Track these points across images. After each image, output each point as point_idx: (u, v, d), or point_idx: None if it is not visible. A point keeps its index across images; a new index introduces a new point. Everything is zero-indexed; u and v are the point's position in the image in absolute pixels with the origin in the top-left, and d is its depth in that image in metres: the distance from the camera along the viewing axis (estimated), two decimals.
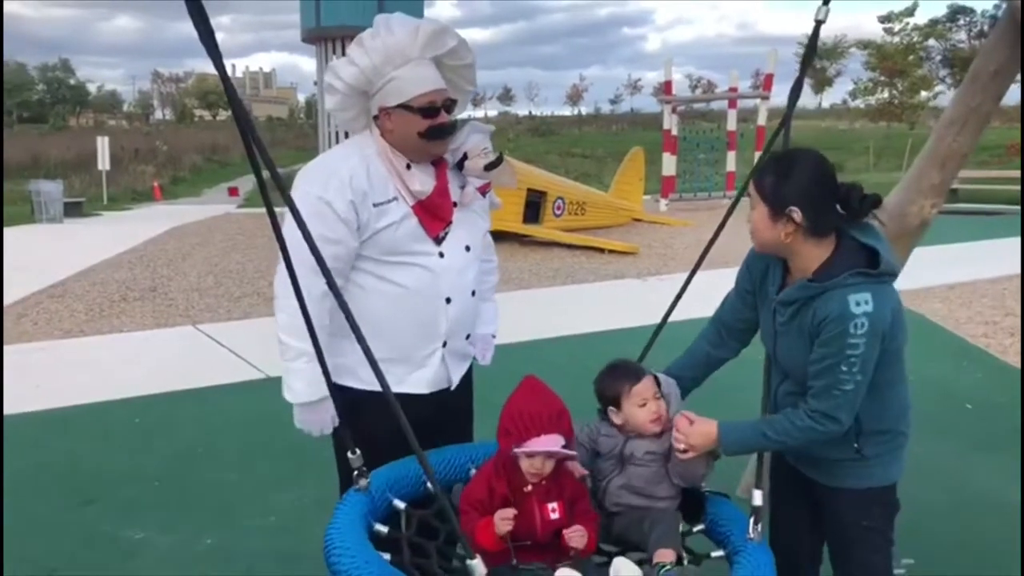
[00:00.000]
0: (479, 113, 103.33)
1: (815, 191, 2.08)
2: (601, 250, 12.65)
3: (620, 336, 7.14)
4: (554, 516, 2.11)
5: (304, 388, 2.30)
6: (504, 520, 2.05)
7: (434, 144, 2.35)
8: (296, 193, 2.22)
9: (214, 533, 3.71)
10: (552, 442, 2.07)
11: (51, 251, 12.50)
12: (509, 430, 2.11)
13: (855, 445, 2.18)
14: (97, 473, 4.39)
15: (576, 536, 2.07)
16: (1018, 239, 12.91)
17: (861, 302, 2.01)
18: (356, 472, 2.05)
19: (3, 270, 9.13)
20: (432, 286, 2.36)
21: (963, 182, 19.98)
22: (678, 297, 2.68)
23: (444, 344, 2.45)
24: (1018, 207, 18.96)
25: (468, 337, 2.55)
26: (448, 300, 2.40)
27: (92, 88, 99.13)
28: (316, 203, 2.21)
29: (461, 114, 2.56)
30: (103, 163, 22.27)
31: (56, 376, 6.18)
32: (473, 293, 2.49)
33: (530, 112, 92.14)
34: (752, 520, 2.08)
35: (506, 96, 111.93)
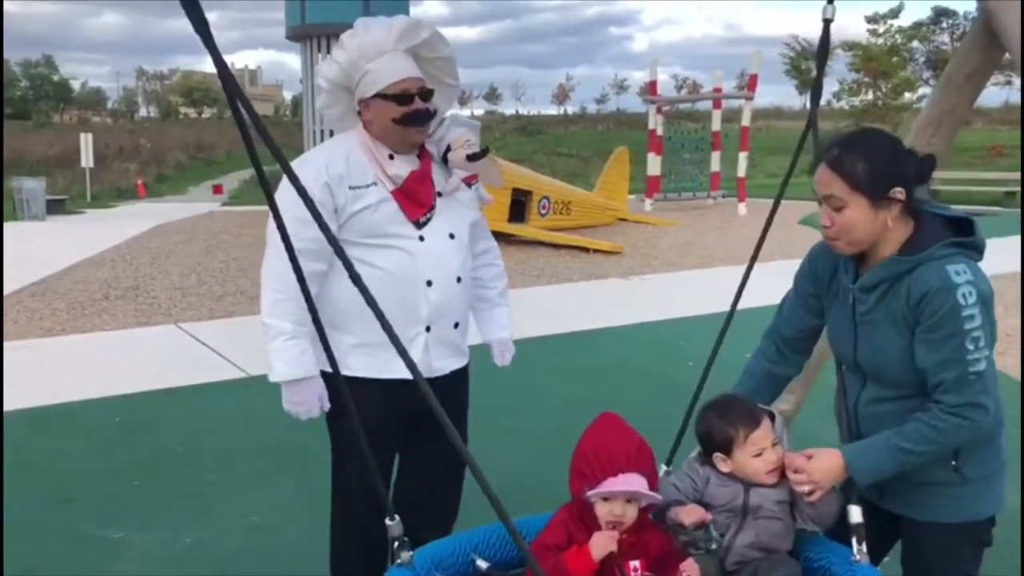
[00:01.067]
0: (465, 111, 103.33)
1: (903, 163, 1.89)
2: (586, 249, 12.67)
3: (604, 335, 7.17)
4: (635, 575, 1.88)
5: (284, 367, 2.35)
6: (605, 540, 1.83)
7: (411, 132, 2.43)
8: (282, 183, 2.30)
9: (193, 532, 3.70)
10: (631, 482, 1.85)
11: (33, 249, 12.40)
12: (583, 472, 1.89)
13: (953, 463, 1.91)
14: (76, 472, 4.37)
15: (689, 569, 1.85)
16: (999, 240, 13.03)
17: (961, 271, 1.81)
18: (397, 543, 1.90)
19: (3, 268, 9.07)
20: (412, 269, 2.41)
21: (945, 183, 20.17)
22: (739, 292, 2.44)
23: (428, 329, 2.48)
24: (998, 208, 19.18)
25: (457, 327, 2.56)
26: (429, 283, 2.44)
27: (76, 85, 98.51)
28: (293, 193, 2.26)
29: (447, 111, 2.61)
30: (87, 160, 22.13)
31: (36, 375, 6.14)
32: (459, 280, 2.52)
33: (516, 111, 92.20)
34: (855, 540, 1.87)
35: (492, 95, 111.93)
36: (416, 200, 2.44)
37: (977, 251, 1.91)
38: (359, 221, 2.39)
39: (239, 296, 9.13)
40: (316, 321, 1.86)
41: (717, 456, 1.98)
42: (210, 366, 6.39)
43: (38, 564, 3.43)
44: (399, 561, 1.88)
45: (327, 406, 2.42)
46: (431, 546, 2.05)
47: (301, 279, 1.86)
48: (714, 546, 1.92)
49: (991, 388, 1.83)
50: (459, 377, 2.65)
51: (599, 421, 1.96)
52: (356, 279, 1.79)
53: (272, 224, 2.33)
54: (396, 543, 1.89)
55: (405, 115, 2.39)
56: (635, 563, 1.88)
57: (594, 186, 17.68)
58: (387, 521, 1.90)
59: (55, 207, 17.86)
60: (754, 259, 2.43)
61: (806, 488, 1.90)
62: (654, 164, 19.60)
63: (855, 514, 1.88)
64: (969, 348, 1.79)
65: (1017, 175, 21.60)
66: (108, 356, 6.76)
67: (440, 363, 2.54)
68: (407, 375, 2.39)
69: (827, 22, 2.41)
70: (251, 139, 1.55)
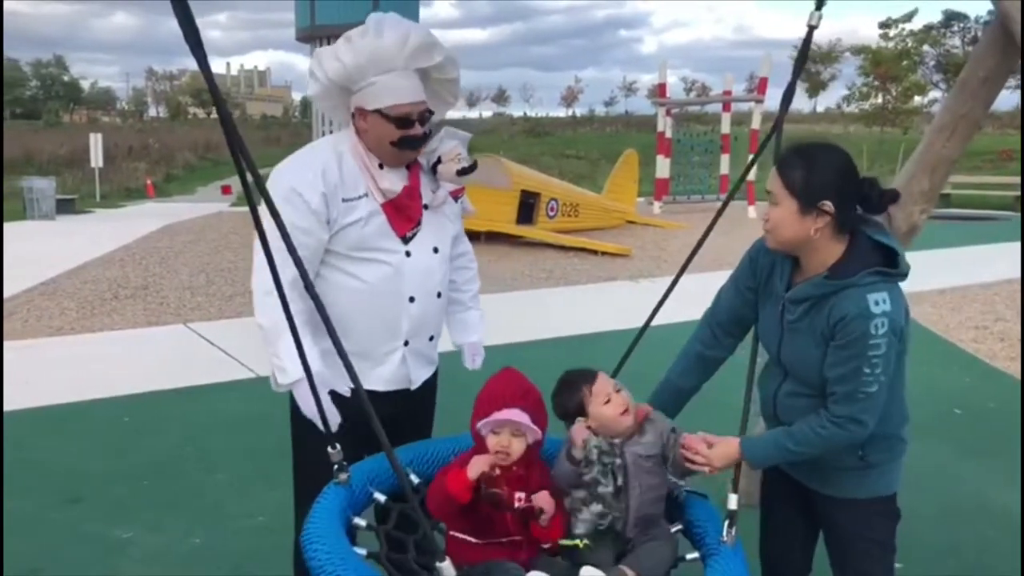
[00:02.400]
0: (474, 114, 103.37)
1: (844, 183, 2.03)
2: (594, 252, 12.65)
3: (612, 338, 7.09)
4: (519, 505, 2.10)
5: (294, 365, 2.22)
6: (481, 461, 2.06)
7: (404, 154, 2.38)
8: (270, 184, 2.27)
9: (201, 533, 3.70)
10: (514, 415, 2.09)
11: (43, 248, 12.44)
12: (477, 409, 2.15)
13: (859, 452, 2.15)
14: (85, 471, 4.38)
15: (542, 500, 2.07)
16: (1009, 244, 12.99)
17: (880, 301, 1.97)
18: (336, 466, 2.04)
19: (3, 267, 9.09)
20: (396, 284, 2.38)
21: (956, 187, 20.09)
22: (661, 301, 2.66)
23: (406, 343, 2.46)
24: (1009, 213, 19.08)
25: (432, 339, 2.55)
26: (412, 299, 2.41)
27: (86, 85, 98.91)
28: (289, 193, 2.25)
29: (440, 118, 2.57)
30: (96, 160, 22.18)
31: (45, 374, 6.15)
32: (439, 295, 2.51)
33: (525, 113, 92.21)
34: (727, 523, 2.07)
35: (501, 97, 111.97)
36: (405, 215, 2.40)
37: (903, 276, 2.05)
38: (348, 234, 2.34)
39: (248, 296, 9.09)
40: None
41: (579, 420, 2.21)
42: (219, 366, 6.39)
43: (46, 563, 3.43)
44: (337, 480, 2.06)
45: (347, 391, 2.31)
46: (366, 462, 2.22)
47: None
48: (617, 461, 2.16)
49: (875, 408, 2.03)
50: (429, 386, 2.64)
51: (499, 372, 2.21)
52: (315, 298, 1.85)
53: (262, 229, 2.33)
54: (336, 467, 2.04)
55: (403, 139, 2.33)
56: (520, 494, 2.10)
57: (602, 188, 17.67)
58: (328, 449, 2.02)
59: (65, 206, 17.90)
60: (690, 260, 2.69)
61: (706, 470, 2.18)
62: (663, 167, 19.56)
63: (732, 501, 2.10)
64: (865, 371, 1.98)
65: None
66: (117, 356, 6.77)
67: (416, 374, 2.53)
68: (379, 387, 2.43)
69: (811, 28, 2.43)
70: (238, 153, 1.54)
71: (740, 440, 2.18)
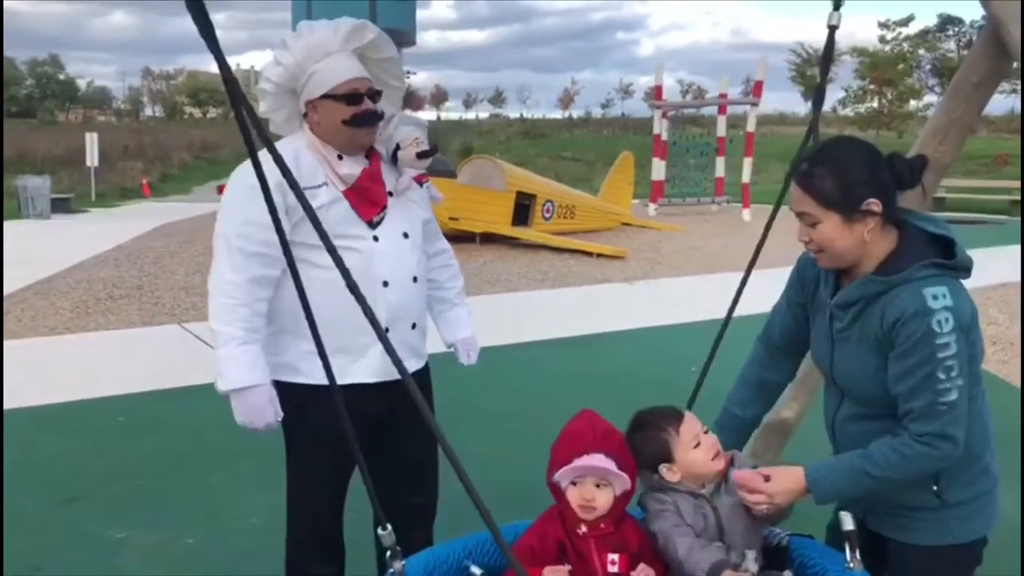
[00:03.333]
0: (470, 115, 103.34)
1: (878, 173, 1.83)
2: (590, 254, 12.67)
3: (608, 340, 7.16)
4: (612, 569, 1.87)
5: (236, 372, 2.28)
6: (553, 573, 1.84)
7: (360, 132, 2.39)
8: (230, 186, 2.35)
9: (197, 533, 3.70)
10: (597, 460, 1.86)
11: (37, 247, 12.43)
12: (554, 458, 1.93)
13: (934, 488, 1.87)
14: (81, 471, 4.38)
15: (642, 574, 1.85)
16: (1001, 248, 13.03)
17: (939, 295, 1.74)
18: (389, 553, 1.85)
19: (3, 265, 9.08)
20: (367, 269, 2.35)
21: (950, 191, 20.16)
22: (735, 300, 2.48)
23: (386, 331, 2.42)
24: (1003, 217, 19.15)
25: (414, 327, 2.53)
26: (385, 284, 2.40)
27: (82, 84, 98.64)
28: (248, 190, 2.24)
29: (395, 110, 2.57)
30: (92, 159, 22.16)
31: (40, 374, 6.15)
32: (415, 280, 2.49)
33: (521, 115, 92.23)
34: (848, 547, 1.81)
35: (497, 98, 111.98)
36: (368, 199, 2.40)
37: (963, 270, 1.84)
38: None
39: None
40: (312, 325, 1.83)
41: (663, 467, 1.94)
42: (214, 366, 6.38)
43: (42, 563, 3.43)
44: (391, 570, 1.84)
45: (280, 414, 2.33)
46: (423, 553, 2.03)
47: (301, 292, 1.84)
48: (709, 518, 1.92)
49: (962, 419, 1.77)
50: (420, 379, 2.58)
51: (575, 416, 1.99)
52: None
53: (219, 228, 2.34)
54: (388, 552, 1.85)
55: (355, 116, 2.35)
56: (614, 556, 1.87)
57: (598, 190, 17.70)
58: (379, 531, 1.85)
59: (60, 206, 17.89)
60: (751, 266, 2.46)
61: (764, 509, 1.89)
62: (659, 169, 19.60)
63: (847, 521, 1.82)
64: (940, 377, 1.73)
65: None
66: (112, 355, 6.77)
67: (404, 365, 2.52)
68: (366, 379, 2.40)
69: (832, 28, 2.40)
70: (253, 144, 1.55)
71: (805, 469, 1.87)
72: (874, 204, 1.80)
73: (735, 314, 2.49)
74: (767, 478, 1.89)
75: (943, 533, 1.91)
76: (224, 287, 2.29)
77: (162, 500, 4.05)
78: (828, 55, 2.48)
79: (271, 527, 3.72)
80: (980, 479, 1.91)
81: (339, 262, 1.60)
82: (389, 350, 1.63)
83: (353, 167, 2.39)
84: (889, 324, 1.78)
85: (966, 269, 1.84)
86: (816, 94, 2.49)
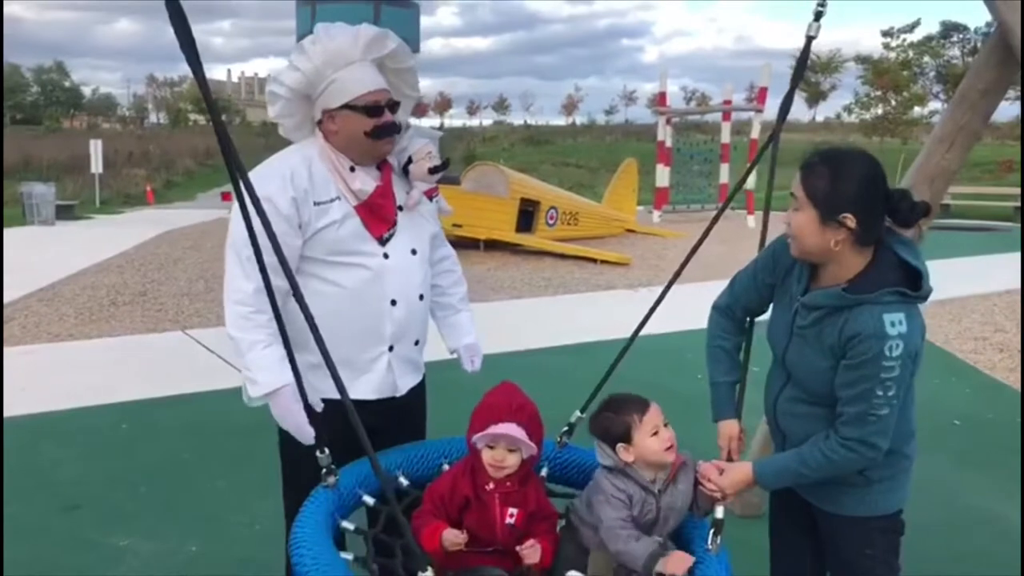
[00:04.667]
0: (474, 122, 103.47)
1: (870, 197, 1.96)
2: (593, 260, 12.66)
3: (611, 347, 7.03)
4: (510, 521, 2.10)
5: (268, 376, 2.22)
6: (453, 538, 2.04)
7: (380, 144, 2.36)
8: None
9: (199, 540, 3.69)
10: (511, 429, 2.08)
11: (41, 254, 12.44)
12: (473, 423, 2.14)
13: (861, 470, 2.09)
14: (83, 478, 4.37)
15: (528, 550, 2.06)
16: (1008, 255, 13.00)
17: (896, 322, 1.90)
18: (324, 469, 2.04)
19: (3, 272, 9.09)
20: (376, 287, 2.34)
21: (955, 198, 20.12)
22: (653, 308, 2.63)
23: (391, 349, 2.43)
24: (1008, 223, 19.10)
25: (417, 343, 2.52)
26: (393, 302, 2.38)
27: (87, 91, 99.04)
28: (258, 202, 2.22)
29: (406, 119, 2.55)
30: (96, 166, 22.20)
31: (43, 380, 6.14)
32: (421, 297, 2.47)
33: (525, 121, 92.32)
34: (712, 532, 2.05)
35: (501, 105, 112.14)
36: (380, 216, 2.37)
37: (923, 299, 1.99)
38: (324, 237, 2.31)
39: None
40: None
41: (620, 447, 2.09)
42: (217, 373, 6.37)
43: (44, 570, 3.42)
44: (325, 484, 2.05)
45: (320, 404, 2.27)
46: (355, 465, 2.18)
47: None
48: (651, 514, 2.09)
49: (887, 431, 1.98)
50: (417, 393, 2.59)
51: (496, 387, 2.20)
52: (302, 304, 1.82)
53: (232, 236, 2.30)
54: (324, 470, 2.03)
55: (376, 127, 2.31)
56: (513, 510, 2.11)
57: (602, 197, 17.69)
58: (317, 452, 2.00)
59: (64, 212, 17.91)
60: (683, 267, 2.62)
61: (718, 495, 2.11)
62: (663, 175, 19.58)
63: (719, 511, 2.10)
64: (878, 393, 1.92)
65: None
66: (115, 362, 6.76)
67: (403, 381, 2.49)
68: (366, 395, 2.39)
69: (809, 39, 2.43)
70: (231, 158, 1.54)
71: (753, 464, 2.14)
72: (849, 219, 1.94)
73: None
74: (721, 471, 2.13)
75: (867, 505, 2.15)
76: (238, 296, 2.27)
77: (164, 507, 4.03)
78: (802, 63, 2.52)
79: (274, 534, 3.70)
80: (899, 463, 2.14)
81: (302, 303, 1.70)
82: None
83: (366, 182, 2.35)
84: (846, 338, 1.95)
85: (925, 298, 1.99)
86: (783, 101, 2.51)
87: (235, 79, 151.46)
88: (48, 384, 6.04)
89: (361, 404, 2.28)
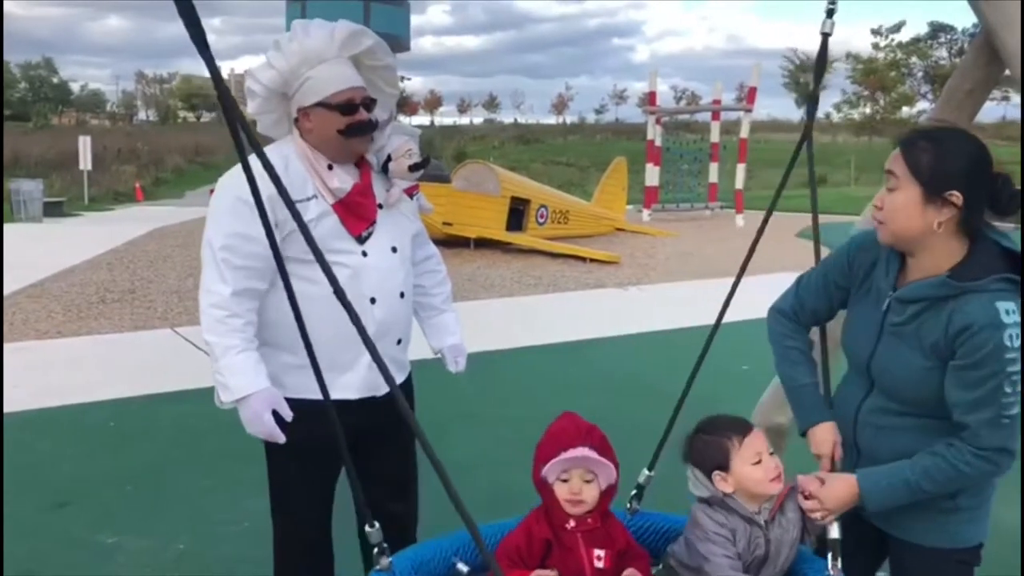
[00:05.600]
0: (464, 120, 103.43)
1: (978, 175, 1.77)
2: (583, 259, 12.69)
3: (601, 345, 7.15)
4: (598, 564, 1.90)
5: (240, 381, 2.21)
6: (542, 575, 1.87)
7: (354, 141, 2.33)
8: (215, 197, 2.28)
9: (188, 538, 3.69)
10: (585, 452, 1.91)
11: (29, 251, 12.39)
12: (539, 457, 1.97)
13: (952, 493, 1.87)
14: (71, 476, 4.36)
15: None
16: None
17: (1010, 311, 1.70)
18: (377, 550, 1.88)
19: (3, 269, 9.05)
20: (355, 286, 2.31)
21: None
22: (726, 303, 2.44)
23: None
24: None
25: (400, 343, 2.50)
26: (373, 300, 2.36)
27: (75, 87, 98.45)
28: (234, 203, 2.20)
29: (385, 116, 2.50)
30: (85, 163, 22.13)
31: (31, 377, 6.12)
32: (402, 295, 2.46)
33: (515, 120, 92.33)
34: (831, 556, 1.87)
35: (492, 104, 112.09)
36: (358, 214, 2.35)
37: None
38: (300, 237, 2.31)
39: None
40: (302, 329, 1.79)
41: (717, 475, 1.91)
42: (206, 370, 6.32)
43: (32, 568, 3.41)
44: (378, 567, 1.87)
45: (289, 414, 2.24)
46: (410, 550, 2.05)
47: (294, 303, 1.79)
48: (760, 551, 1.91)
49: (1019, 432, 1.77)
50: (403, 391, 2.53)
51: (558, 417, 2.03)
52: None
53: (206, 236, 2.27)
54: (376, 549, 1.88)
55: (350, 126, 2.28)
56: (599, 552, 1.90)
57: (592, 196, 17.73)
58: (367, 528, 1.87)
59: (52, 209, 17.85)
60: (743, 272, 2.42)
61: (819, 515, 1.89)
62: (652, 175, 19.65)
63: (834, 530, 1.88)
64: (1007, 391, 1.71)
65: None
66: (104, 359, 6.74)
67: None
68: (349, 395, 2.36)
69: (825, 36, 2.39)
70: (244, 150, 1.53)
71: (858, 477, 1.88)
72: (956, 197, 1.75)
73: (726, 320, 2.49)
74: (822, 482, 1.90)
75: (950, 535, 1.92)
76: (214, 299, 2.24)
77: (154, 505, 4.03)
78: (822, 62, 2.45)
79: (264, 532, 3.69)
80: (988, 487, 1.93)
81: (333, 279, 1.58)
82: (388, 379, 1.62)
83: (344, 180, 2.33)
84: (956, 331, 1.74)
85: None
86: (810, 100, 2.47)
87: (225, 76, 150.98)
88: (36, 381, 6.02)
89: (343, 405, 2.26)
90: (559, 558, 1.90)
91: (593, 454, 1.91)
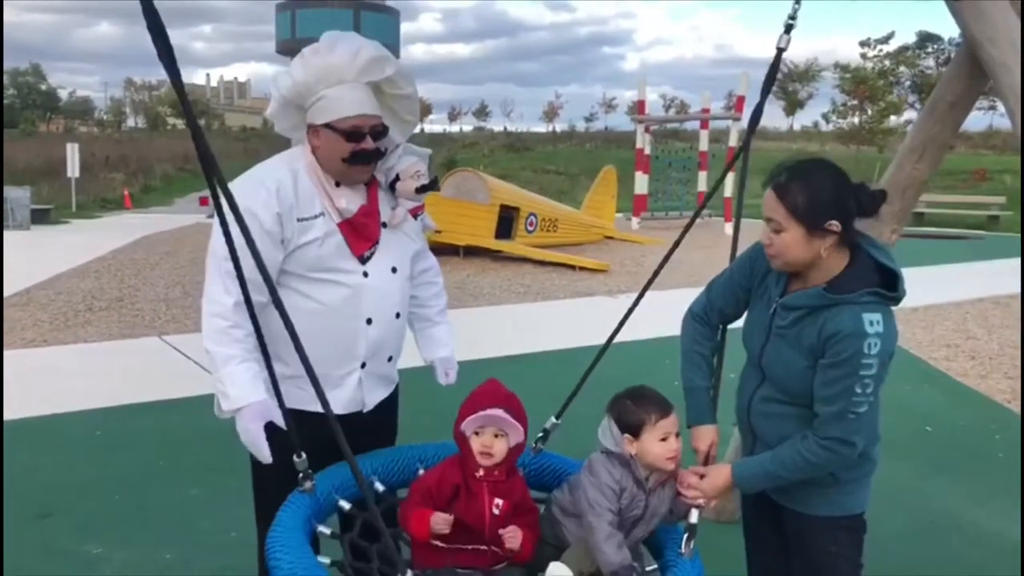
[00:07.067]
0: (455, 128, 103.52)
1: (844, 198, 2.02)
2: (572, 267, 12.70)
3: (590, 353, 7.05)
4: (496, 511, 2.13)
5: (240, 392, 2.19)
6: (442, 522, 2.10)
7: (356, 170, 2.32)
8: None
9: (173, 548, 3.67)
10: (499, 413, 2.13)
11: (16, 259, 12.30)
12: (461, 414, 2.18)
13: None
14: (56, 486, 4.33)
15: (510, 536, 2.11)
16: (981, 264, 13.19)
17: (874, 322, 1.96)
18: (301, 474, 2.05)
19: (3, 272, 8.98)
20: (353, 305, 2.32)
21: (930, 206, 20.36)
22: (628, 313, 2.66)
23: (363, 366, 2.41)
24: (981, 232, 19.35)
25: (390, 359, 2.51)
26: (369, 321, 2.36)
27: (64, 94, 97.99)
28: (242, 213, 2.21)
29: (397, 142, 2.49)
30: (72, 170, 22.02)
31: (17, 386, 6.07)
32: (398, 316, 2.46)
33: (505, 128, 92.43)
34: (685, 536, 2.11)
35: (482, 111, 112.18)
36: (362, 234, 2.35)
37: (896, 302, 2.05)
38: (305, 254, 2.29)
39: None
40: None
41: (626, 438, 2.12)
42: (193, 379, 6.33)
43: None
44: (302, 488, 2.06)
45: (282, 424, 2.17)
46: (331, 470, 2.21)
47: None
48: (638, 511, 2.14)
49: (864, 428, 2.04)
50: (386, 407, 2.57)
51: (484, 382, 2.26)
52: (286, 321, 1.80)
53: (212, 246, 2.26)
54: (300, 474, 2.05)
55: (353, 153, 2.28)
56: (499, 501, 2.14)
57: (581, 204, 17.76)
58: (294, 457, 2.01)
59: (40, 216, 17.75)
60: (656, 274, 2.69)
61: (700, 502, 2.16)
62: (642, 183, 19.71)
63: (693, 516, 2.15)
64: (857, 391, 1.97)
65: (1001, 199, 21.86)
66: (90, 368, 6.70)
67: (371, 396, 2.47)
68: (335, 410, 2.29)
69: (780, 51, 2.47)
70: (211, 167, 1.53)
71: (732, 467, 2.18)
72: (834, 225, 2.00)
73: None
74: (701, 476, 2.18)
75: (835, 505, 2.20)
76: (217, 308, 2.23)
77: (139, 515, 4.01)
78: (772, 74, 2.54)
79: (249, 542, 3.67)
80: (865, 465, 2.19)
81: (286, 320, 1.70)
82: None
83: (351, 200, 2.33)
84: (826, 336, 2.00)
85: (899, 300, 2.06)
86: (753, 112, 2.55)
87: (214, 83, 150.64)
88: (22, 390, 5.97)
89: (327, 419, 2.28)
90: (464, 502, 2.13)
91: (506, 416, 2.14)
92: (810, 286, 2.08)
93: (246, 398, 2.19)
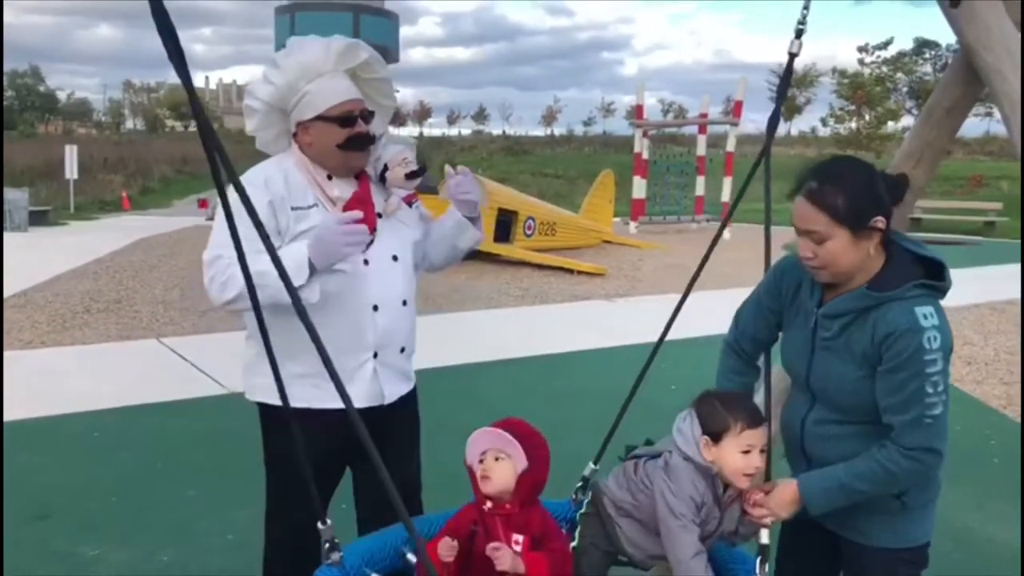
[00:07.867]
0: (453, 131, 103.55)
1: (880, 191, 1.89)
2: (570, 271, 12.71)
3: (587, 357, 7.17)
4: (517, 548, 1.98)
5: (295, 256, 2.16)
6: (446, 548, 1.97)
7: (353, 155, 2.37)
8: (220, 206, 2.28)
9: (171, 550, 3.67)
10: (494, 432, 2.00)
11: (14, 260, 12.28)
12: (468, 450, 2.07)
13: (898, 493, 1.95)
14: (54, 487, 4.33)
15: (499, 554, 1.92)
16: (977, 269, 13.20)
17: (928, 315, 1.81)
18: (327, 544, 1.93)
19: (1, 273, 8.97)
20: (357, 294, 2.33)
21: (927, 212, 20.42)
22: (671, 321, 2.51)
23: (375, 356, 2.42)
24: (978, 237, 19.39)
25: (403, 351, 2.51)
26: (375, 308, 2.38)
27: (62, 96, 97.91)
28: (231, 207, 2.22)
29: (382, 129, 2.54)
30: (71, 172, 22.02)
31: (15, 388, 6.07)
32: (405, 303, 2.47)
33: (504, 131, 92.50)
34: (759, 560, 1.97)
35: (480, 115, 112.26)
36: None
37: (943, 294, 1.92)
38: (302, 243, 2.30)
39: (222, 311, 9.07)
40: (269, 349, 1.78)
41: (704, 439, 1.96)
42: (191, 381, 6.35)
43: None
44: (328, 561, 1.92)
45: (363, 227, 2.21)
46: (360, 542, 2.12)
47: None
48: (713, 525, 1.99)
49: (945, 432, 1.85)
50: (408, 401, 2.58)
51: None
52: (302, 313, 1.72)
53: (210, 241, 2.29)
54: (327, 544, 1.92)
55: (349, 138, 2.32)
56: (518, 536, 1.98)
57: (579, 208, 17.77)
58: (319, 525, 1.91)
59: (38, 218, 17.74)
60: (693, 282, 2.53)
61: (768, 521, 1.98)
62: (639, 187, 19.70)
63: (763, 535, 1.99)
64: (928, 392, 1.80)
65: (997, 205, 21.90)
66: (88, 370, 6.70)
67: (390, 389, 2.48)
68: (357, 404, 2.35)
69: (792, 56, 2.46)
70: (215, 161, 1.54)
71: (799, 483, 1.97)
72: (880, 222, 1.87)
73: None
74: (766, 492, 1.99)
75: (899, 535, 2.00)
76: (214, 263, 2.25)
77: (137, 516, 4.01)
78: (786, 80, 2.53)
79: (247, 543, 3.70)
80: (933, 487, 2.01)
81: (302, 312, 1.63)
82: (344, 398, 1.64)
83: (344, 190, 2.36)
84: (880, 338, 1.84)
85: (946, 290, 1.91)
86: (770, 118, 2.54)
87: (213, 86, 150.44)
88: (20, 391, 5.97)
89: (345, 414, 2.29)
90: (483, 541, 1.98)
91: (503, 434, 1.99)
92: (849, 290, 1.93)
93: (302, 254, 2.17)
